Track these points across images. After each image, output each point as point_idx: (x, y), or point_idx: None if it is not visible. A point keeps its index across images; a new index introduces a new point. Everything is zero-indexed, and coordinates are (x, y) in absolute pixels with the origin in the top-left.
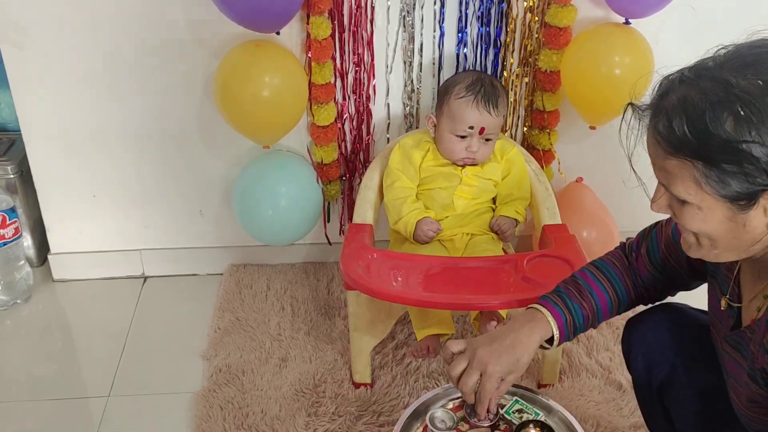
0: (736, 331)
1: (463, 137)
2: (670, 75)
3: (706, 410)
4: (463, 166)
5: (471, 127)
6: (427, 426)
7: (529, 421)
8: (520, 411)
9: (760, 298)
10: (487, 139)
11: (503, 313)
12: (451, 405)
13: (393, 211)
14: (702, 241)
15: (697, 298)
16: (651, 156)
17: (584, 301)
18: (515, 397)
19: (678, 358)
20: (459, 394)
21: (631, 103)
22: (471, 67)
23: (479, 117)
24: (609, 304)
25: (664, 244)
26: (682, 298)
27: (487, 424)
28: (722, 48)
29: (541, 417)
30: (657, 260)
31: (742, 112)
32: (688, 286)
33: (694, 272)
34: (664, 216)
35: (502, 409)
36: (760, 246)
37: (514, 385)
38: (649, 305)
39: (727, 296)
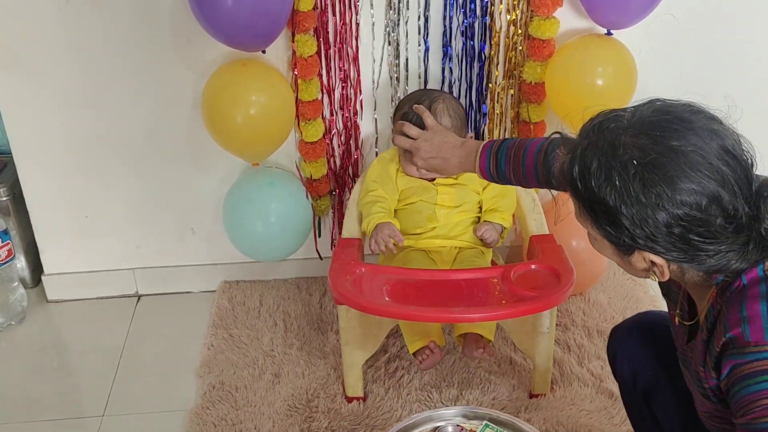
0: (683, 348)
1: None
2: (599, 115)
3: (690, 413)
4: (432, 179)
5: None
6: None
7: None
8: None
9: (703, 318)
10: None
11: (490, 335)
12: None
13: (363, 214)
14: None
15: None
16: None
17: (517, 165)
18: (485, 421)
19: (659, 364)
20: (427, 425)
21: (558, 132)
22: (457, 82)
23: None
24: (535, 175)
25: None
26: None
27: None
28: (657, 100)
29: None
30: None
31: (617, 183)
32: None
33: None
34: None
35: None
36: (657, 279)
37: (485, 408)
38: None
39: (678, 311)
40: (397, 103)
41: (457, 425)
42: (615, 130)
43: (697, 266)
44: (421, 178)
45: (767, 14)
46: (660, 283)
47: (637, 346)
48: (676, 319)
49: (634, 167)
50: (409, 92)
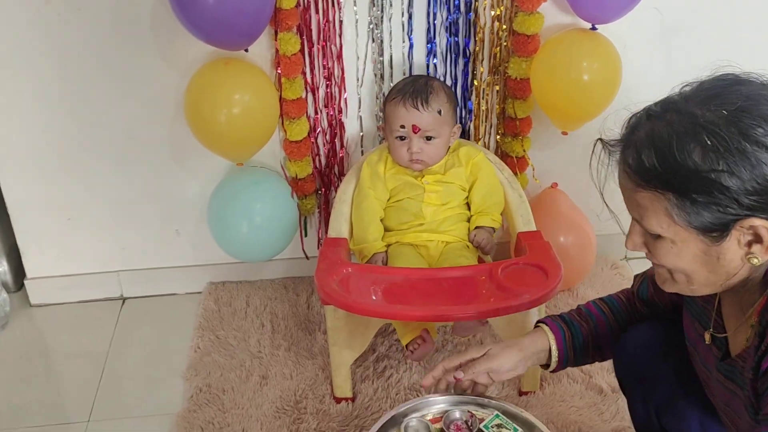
0: (729, 360)
1: (402, 138)
2: (638, 111)
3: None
4: (423, 175)
5: (402, 126)
6: None
7: None
8: (499, 426)
9: (747, 328)
10: (428, 138)
11: None
12: (430, 416)
13: (357, 232)
14: (677, 276)
15: None
16: (623, 190)
17: (582, 320)
18: (495, 412)
19: (675, 380)
20: (438, 405)
21: (600, 139)
22: (441, 78)
23: (407, 115)
24: (606, 321)
25: (653, 284)
26: None
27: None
28: (686, 85)
29: None
30: (646, 299)
31: (708, 142)
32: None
33: (677, 308)
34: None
35: (480, 423)
36: (737, 279)
37: (497, 400)
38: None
39: (711, 329)
40: (382, 100)
41: (468, 411)
42: (680, 102)
43: None
44: (411, 167)
45: (752, 6)
46: (685, 298)
47: (647, 366)
48: (708, 337)
49: (724, 119)
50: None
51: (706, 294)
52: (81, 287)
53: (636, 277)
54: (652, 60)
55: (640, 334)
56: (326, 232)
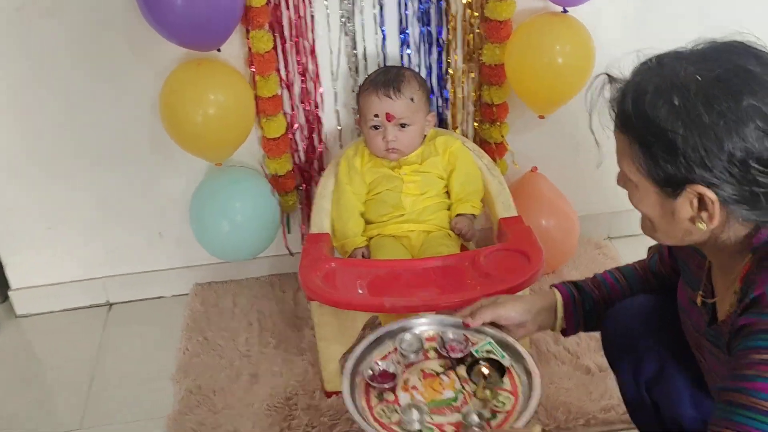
0: (714, 326)
1: (377, 128)
2: (649, 58)
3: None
4: (400, 166)
5: (376, 116)
6: (397, 348)
7: (486, 359)
8: (489, 352)
9: (731, 294)
10: (403, 125)
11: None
12: (426, 335)
13: (337, 228)
14: (644, 222)
15: None
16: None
17: (595, 286)
18: (488, 339)
19: (664, 350)
20: (434, 326)
21: (607, 74)
22: (416, 68)
23: (380, 104)
24: (620, 288)
25: (659, 254)
26: None
27: (459, 356)
28: (701, 42)
29: (506, 360)
30: (654, 271)
31: (676, 102)
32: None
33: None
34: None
35: (473, 346)
36: (696, 239)
37: (493, 330)
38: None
39: (701, 292)
40: (357, 93)
41: (463, 334)
42: (675, 58)
43: (747, 210)
44: (387, 157)
45: None
46: (678, 261)
47: (636, 336)
48: (699, 299)
49: (696, 84)
50: None
51: (669, 244)
52: (66, 295)
53: (649, 249)
54: (624, 40)
55: (629, 308)
56: (309, 228)
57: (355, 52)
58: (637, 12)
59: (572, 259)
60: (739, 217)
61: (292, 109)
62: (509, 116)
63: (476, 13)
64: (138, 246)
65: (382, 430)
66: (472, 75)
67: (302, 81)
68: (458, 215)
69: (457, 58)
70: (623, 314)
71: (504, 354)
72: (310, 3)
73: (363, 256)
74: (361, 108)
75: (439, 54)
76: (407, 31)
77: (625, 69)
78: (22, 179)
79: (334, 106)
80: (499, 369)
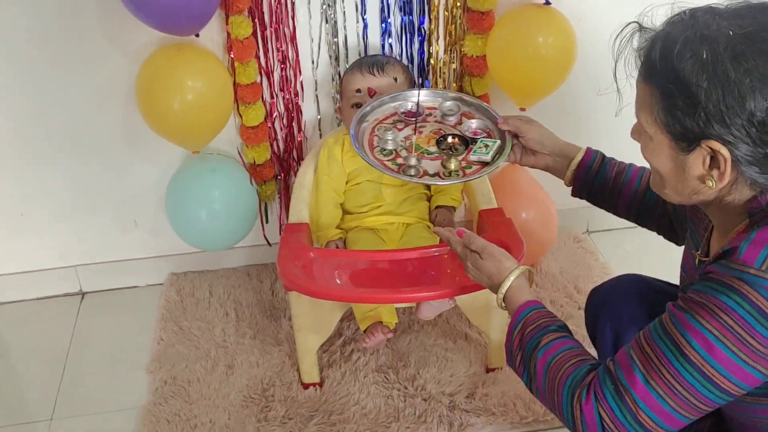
0: None
1: (358, 106)
2: (683, 10)
3: None
4: None
5: (358, 90)
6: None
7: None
8: (486, 146)
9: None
10: None
11: None
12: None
13: (314, 218)
14: (655, 176)
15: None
16: (637, 79)
17: (617, 168)
18: (497, 140)
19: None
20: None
21: (638, 23)
22: (398, 57)
23: (363, 79)
24: (635, 186)
25: None
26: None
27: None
28: (738, 1)
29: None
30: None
31: (704, 56)
32: (676, 235)
33: (679, 221)
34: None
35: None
36: (703, 197)
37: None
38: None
39: (699, 251)
40: (338, 81)
41: (487, 127)
42: (709, 12)
43: (758, 172)
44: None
45: None
46: (688, 222)
47: (622, 305)
48: (697, 259)
49: (726, 39)
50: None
51: (677, 203)
52: (38, 283)
53: None
54: (606, 32)
55: (616, 281)
56: (287, 218)
57: (335, 40)
58: (620, 3)
59: (551, 251)
60: (748, 180)
61: (272, 97)
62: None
63: (459, 4)
64: (112, 234)
65: (367, 149)
66: (454, 66)
67: (282, 69)
68: (438, 207)
69: (438, 48)
70: (611, 284)
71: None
72: None
73: (337, 248)
74: (343, 89)
75: (421, 44)
76: (389, 20)
77: (656, 20)
78: None
79: (314, 95)
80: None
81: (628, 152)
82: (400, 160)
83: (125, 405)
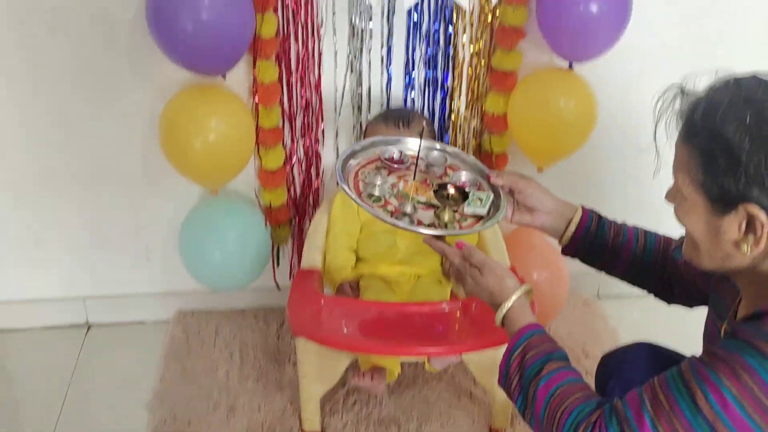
0: None
1: None
2: (727, 76)
3: None
4: None
5: None
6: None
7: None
8: (480, 199)
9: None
10: None
11: None
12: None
13: (328, 261)
14: (688, 241)
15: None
16: (676, 142)
17: (614, 228)
18: (490, 193)
19: None
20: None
21: (681, 86)
22: (419, 111)
23: (387, 131)
24: (633, 249)
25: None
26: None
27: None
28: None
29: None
30: (677, 261)
31: (748, 120)
32: (690, 299)
33: (699, 291)
34: None
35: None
36: (736, 263)
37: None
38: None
39: (726, 323)
40: (359, 131)
41: (478, 181)
42: (754, 79)
43: None
44: None
45: (733, 44)
46: (712, 296)
47: (633, 372)
48: (722, 331)
49: None
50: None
51: (709, 268)
52: (45, 312)
53: (681, 237)
54: (628, 99)
55: (628, 348)
56: (299, 262)
57: (359, 90)
58: (643, 70)
59: (561, 314)
60: None
61: (292, 142)
62: (508, 166)
63: (483, 62)
64: (123, 268)
65: (350, 185)
66: (474, 123)
67: (304, 115)
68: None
69: (460, 104)
70: (625, 349)
71: (488, 207)
72: (319, 38)
73: (351, 288)
74: (366, 138)
75: (443, 99)
76: (413, 74)
77: (698, 85)
78: (10, 194)
79: (334, 142)
80: (462, 194)
81: (639, 216)
82: (390, 207)
83: None
